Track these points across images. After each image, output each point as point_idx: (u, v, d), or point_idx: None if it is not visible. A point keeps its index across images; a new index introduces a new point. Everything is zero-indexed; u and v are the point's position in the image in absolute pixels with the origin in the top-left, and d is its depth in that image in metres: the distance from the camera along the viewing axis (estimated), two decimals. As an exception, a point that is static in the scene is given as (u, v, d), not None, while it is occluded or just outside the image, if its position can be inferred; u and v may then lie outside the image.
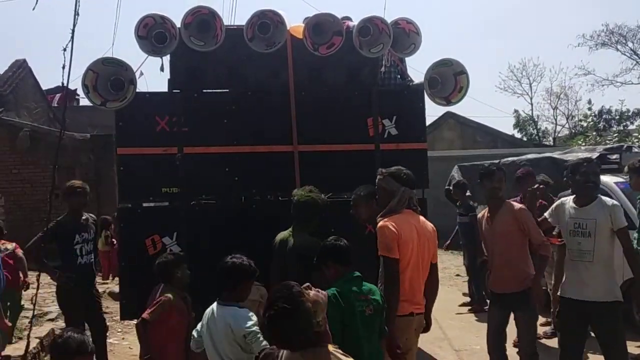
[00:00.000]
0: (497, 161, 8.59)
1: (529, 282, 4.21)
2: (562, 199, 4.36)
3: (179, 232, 4.88)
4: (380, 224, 3.49)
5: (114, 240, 10.11)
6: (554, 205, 4.33)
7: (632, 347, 6.01)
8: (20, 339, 5.62)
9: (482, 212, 4.50)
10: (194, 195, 5.07)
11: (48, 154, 12.47)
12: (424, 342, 5.27)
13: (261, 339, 3.16)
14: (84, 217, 5.17)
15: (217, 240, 4.69)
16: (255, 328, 3.20)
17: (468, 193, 8.45)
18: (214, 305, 3.38)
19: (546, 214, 4.35)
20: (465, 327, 6.61)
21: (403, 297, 3.48)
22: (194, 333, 3.46)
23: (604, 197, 4.15)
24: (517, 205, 4.39)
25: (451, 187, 9.59)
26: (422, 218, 3.70)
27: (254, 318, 3.28)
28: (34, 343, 5.47)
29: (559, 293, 4.24)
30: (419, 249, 3.51)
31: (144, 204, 5.16)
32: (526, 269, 4.27)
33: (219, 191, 5.09)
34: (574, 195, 4.19)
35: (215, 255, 3.64)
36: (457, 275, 11.13)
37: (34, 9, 4.71)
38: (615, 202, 4.15)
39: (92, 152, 13.05)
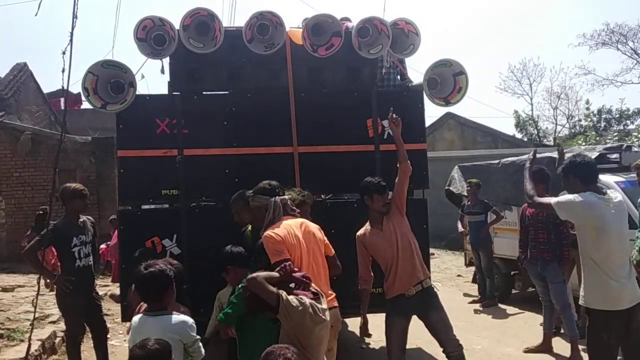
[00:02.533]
0: (496, 161, 8.64)
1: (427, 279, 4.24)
2: None
3: (179, 234, 4.90)
4: (263, 235, 3.48)
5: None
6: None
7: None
8: (22, 341, 5.63)
9: (364, 228, 4.29)
10: (194, 197, 5.08)
11: (49, 157, 12.53)
12: (425, 341, 5.28)
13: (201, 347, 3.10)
14: (81, 220, 5.15)
15: (217, 242, 4.70)
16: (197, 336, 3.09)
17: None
18: (142, 318, 3.08)
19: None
20: (465, 327, 6.62)
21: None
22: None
23: None
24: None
25: (451, 188, 9.63)
26: (302, 219, 3.70)
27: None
28: (35, 345, 5.47)
29: None
30: (307, 249, 3.53)
31: (145, 206, 5.17)
32: (423, 263, 4.29)
33: (219, 193, 5.09)
34: None
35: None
36: (459, 275, 11.11)
37: (36, 14, 4.77)
38: None
39: (93, 155, 13.09)
